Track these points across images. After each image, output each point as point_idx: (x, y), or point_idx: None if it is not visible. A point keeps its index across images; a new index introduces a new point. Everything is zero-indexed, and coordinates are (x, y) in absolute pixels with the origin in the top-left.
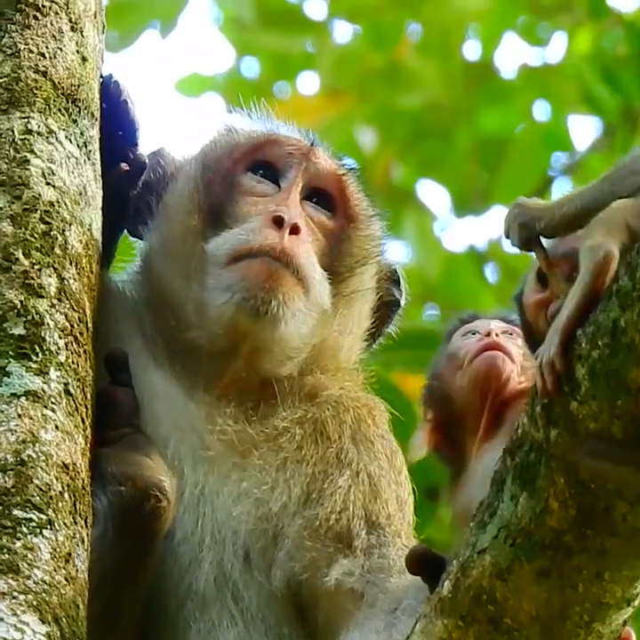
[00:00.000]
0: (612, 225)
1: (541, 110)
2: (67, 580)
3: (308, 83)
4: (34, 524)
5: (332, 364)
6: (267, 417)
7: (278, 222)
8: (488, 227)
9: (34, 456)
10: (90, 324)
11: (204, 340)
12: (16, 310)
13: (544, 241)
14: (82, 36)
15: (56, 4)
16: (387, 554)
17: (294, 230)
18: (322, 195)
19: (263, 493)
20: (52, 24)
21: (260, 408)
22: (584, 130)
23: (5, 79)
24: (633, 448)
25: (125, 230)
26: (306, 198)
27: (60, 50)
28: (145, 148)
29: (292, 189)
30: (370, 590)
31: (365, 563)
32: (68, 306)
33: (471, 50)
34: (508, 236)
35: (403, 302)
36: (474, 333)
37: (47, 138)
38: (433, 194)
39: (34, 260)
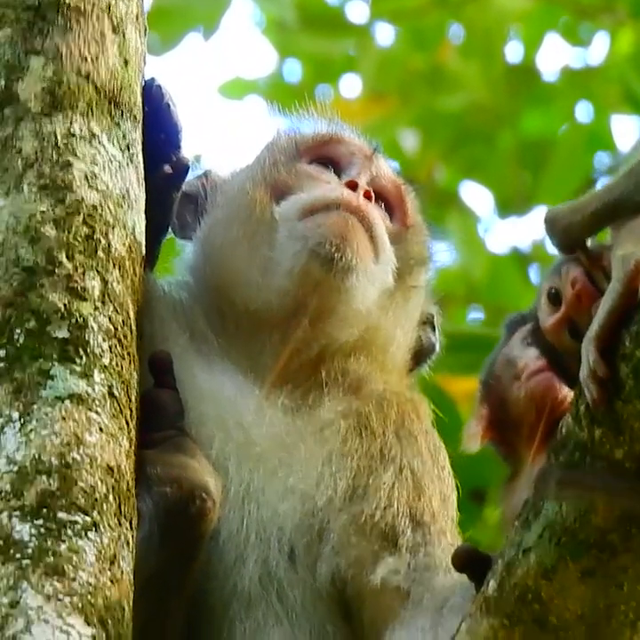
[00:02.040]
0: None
1: (584, 111)
2: (112, 582)
3: (351, 86)
4: (79, 526)
5: (380, 355)
6: (314, 408)
7: (352, 186)
8: (531, 228)
9: (78, 459)
10: (133, 327)
11: (270, 303)
12: (60, 313)
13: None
14: (124, 38)
15: (98, 6)
16: (432, 552)
17: (368, 196)
18: (380, 198)
19: (309, 488)
20: (94, 27)
21: (308, 397)
22: (627, 130)
23: (48, 83)
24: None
25: (172, 231)
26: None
27: (103, 53)
28: (187, 151)
29: (359, 173)
30: (416, 588)
31: (411, 561)
32: (111, 309)
33: (513, 52)
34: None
35: (437, 348)
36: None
37: (90, 141)
38: (476, 196)
39: (77, 264)
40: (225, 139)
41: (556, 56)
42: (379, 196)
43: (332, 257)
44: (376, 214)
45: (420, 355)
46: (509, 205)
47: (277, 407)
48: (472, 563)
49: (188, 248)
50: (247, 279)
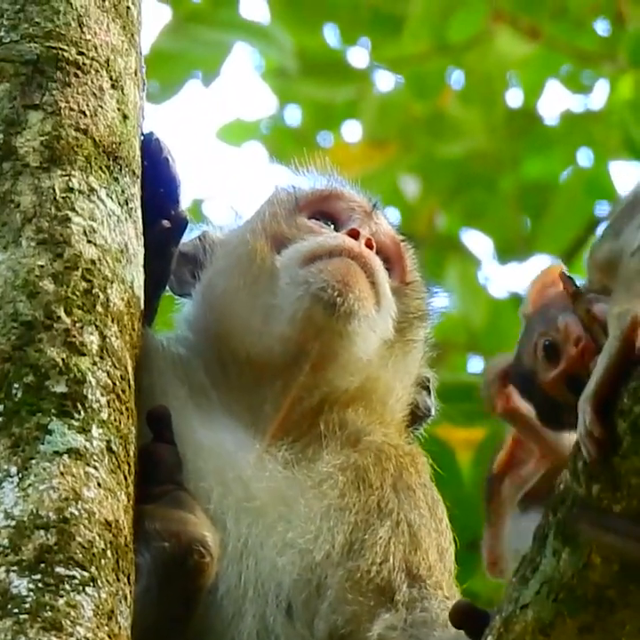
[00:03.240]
0: (634, 286)
1: (584, 157)
2: (110, 637)
3: (351, 132)
4: (76, 581)
5: (379, 407)
6: (313, 461)
7: (354, 235)
8: (532, 274)
9: (76, 514)
10: (132, 382)
11: (272, 350)
12: (58, 368)
13: None
14: (122, 93)
15: (96, 61)
16: (429, 607)
17: (368, 245)
18: (380, 254)
19: (307, 543)
20: (92, 82)
21: (307, 450)
22: (627, 176)
23: (46, 137)
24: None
25: (169, 289)
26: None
27: (101, 107)
28: (187, 198)
29: (359, 226)
30: None
31: (408, 616)
32: (109, 363)
33: (514, 98)
34: None
35: (433, 411)
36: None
37: (88, 196)
38: (476, 241)
39: (75, 318)
40: (225, 184)
41: (556, 102)
42: (378, 251)
43: (335, 301)
44: (377, 262)
45: (415, 417)
46: (510, 251)
47: (277, 461)
48: (469, 619)
49: (186, 304)
50: (249, 327)
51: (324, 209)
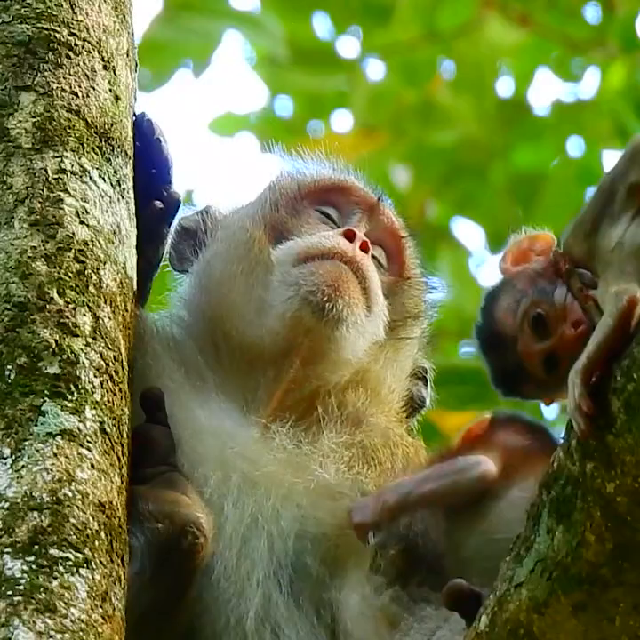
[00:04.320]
0: (627, 268)
1: (575, 146)
2: (104, 618)
3: (342, 120)
4: (70, 562)
5: (373, 395)
6: (316, 438)
7: (350, 236)
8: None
9: (70, 495)
10: (125, 363)
11: (263, 341)
12: (51, 349)
13: None
14: (114, 74)
15: (88, 42)
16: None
17: (364, 248)
18: (380, 248)
19: (317, 515)
20: (84, 63)
21: (308, 430)
22: None
23: (38, 118)
24: None
25: (169, 263)
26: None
27: (93, 88)
28: (178, 185)
29: (357, 225)
30: (406, 618)
31: (403, 591)
32: (102, 344)
33: (504, 86)
34: None
35: (428, 402)
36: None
37: (80, 177)
38: (468, 230)
39: (68, 299)
40: (216, 174)
41: (547, 90)
42: (378, 245)
43: (323, 306)
44: (371, 267)
45: (411, 407)
46: (501, 240)
47: (281, 436)
48: (462, 599)
49: (184, 280)
50: (242, 315)
51: (327, 199)
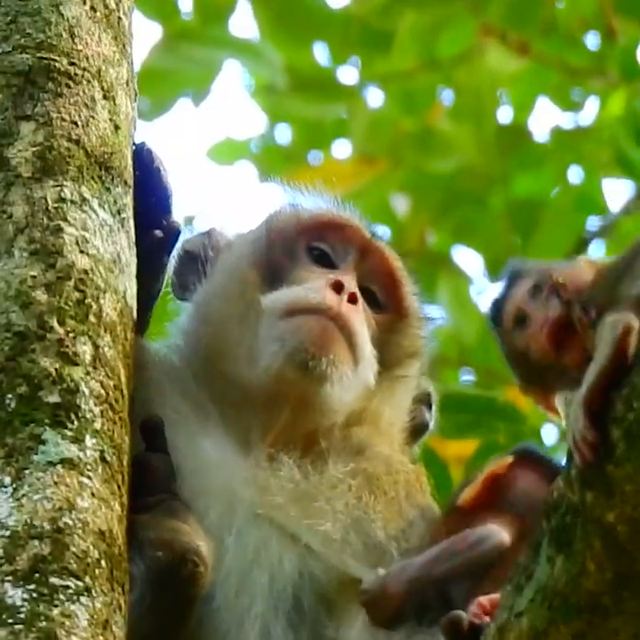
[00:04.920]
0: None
1: (575, 174)
2: None
3: (341, 148)
4: (71, 591)
5: (375, 426)
6: (322, 469)
7: (338, 287)
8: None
9: (70, 523)
10: (125, 392)
11: (253, 386)
12: (51, 378)
13: None
14: (114, 103)
15: (88, 72)
16: None
17: (352, 300)
18: (375, 288)
19: (331, 545)
20: (84, 92)
21: (314, 461)
22: (618, 192)
23: (38, 148)
24: None
25: (172, 291)
26: (359, 288)
27: (93, 118)
28: (178, 215)
29: (348, 272)
30: None
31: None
32: (103, 373)
33: (504, 114)
34: None
35: (431, 426)
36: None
37: (80, 206)
38: (467, 258)
39: (68, 328)
40: (216, 202)
41: (546, 118)
42: (374, 282)
43: (307, 364)
44: (358, 319)
45: (414, 431)
46: (500, 267)
47: (287, 468)
48: (461, 631)
49: (184, 310)
50: (235, 356)
51: (322, 236)
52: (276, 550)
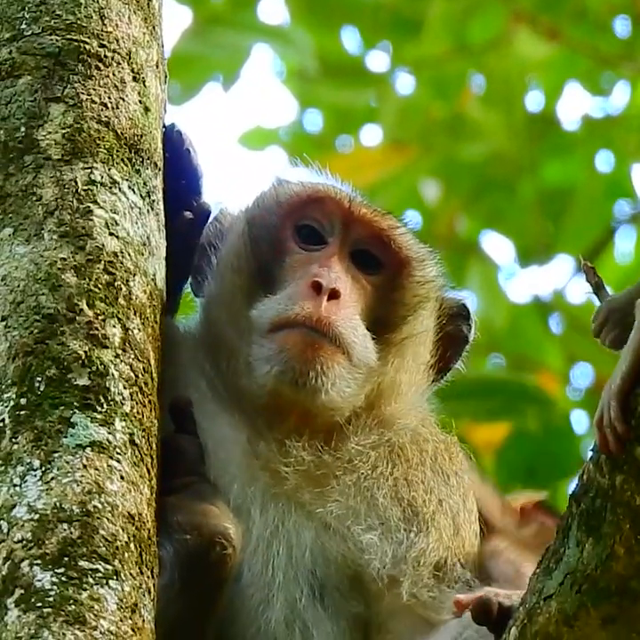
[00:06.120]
0: None
1: (604, 160)
2: (133, 630)
3: (371, 135)
4: (100, 574)
5: (394, 400)
6: (339, 446)
7: (317, 288)
8: (552, 277)
9: (99, 507)
10: (154, 374)
11: (255, 397)
12: (80, 361)
13: None
14: (144, 85)
15: (118, 54)
16: (463, 586)
17: (334, 294)
18: (369, 248)
19: (343, 520)
20: (114, 74)
21: (331, 439)
22: None
23: (68, 130)
24: None
25: (190, 289)
26: (353, 253)
27: (123, 100)
28: (208, 196)
29: (334, 250)
30: (441, 614)
31: (444, 588)
32: (132, 356)
33: (533, 100)
34: (596, 333)
35: (471, 337)
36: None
37: (110, 188)
38: (497, 245)
39: (98, 311)
40: (246, 188)
41: (576, 105)
42: (365, 247)
43: (297, 381)
44: (342, 315)
45: (454, 347)
46: (530, 254)
47: (300, 448)
48: (491, 613)
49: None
50: (235, 365)
51: (304, 217)
52: (293, 525)
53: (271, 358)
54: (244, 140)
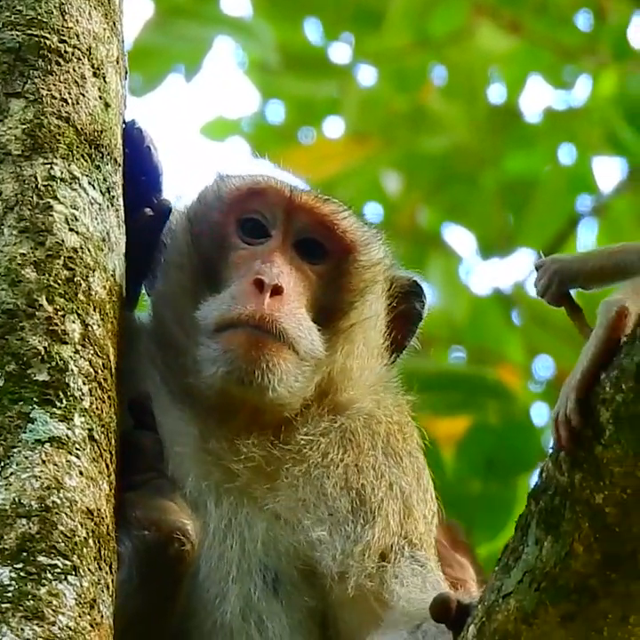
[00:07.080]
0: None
1: (566, 153)
2: (92, 626)
3: (334, 127)
4: (58, 570)
5: (347, 386)
6: (289, 438)
7: (259, 285)
8: (514, 269)
9: (58, 502)
10: (114, 370)
11: (204, 396)
12: (40, 356)
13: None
14: (104, 81)
15: (78, 49)
16: (422, 572)
17: (277, 291)
18: (314, 236)
19: (294, 512)
20: (74, 70)
21: (281, 432)
22: (609, 172)
23: (28, 125)
24: None
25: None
26: (298, 243)
27: (83, 95)
28: (169, 193)
29: (277, 243)
30: (397, 602)
31: (398, 572)
32: (91, 352)
33: (496, 93)
34: (541, 292)
35: (425, 313)
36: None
37: (70, 184)
38: (458, 237)
39: (57, 307)
40: (207, 179)
41: (538, 98)
42: (310, 236)
43: (243, 380)
44: (285, 311)
45: (407, 325)
46: (491, 247)
47: (250, 444)
48: (449, 611)
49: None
50: (184, 363)
51: (245, 210)
52: (245, 518)
53: (217, 359)
54: (205, 131)
